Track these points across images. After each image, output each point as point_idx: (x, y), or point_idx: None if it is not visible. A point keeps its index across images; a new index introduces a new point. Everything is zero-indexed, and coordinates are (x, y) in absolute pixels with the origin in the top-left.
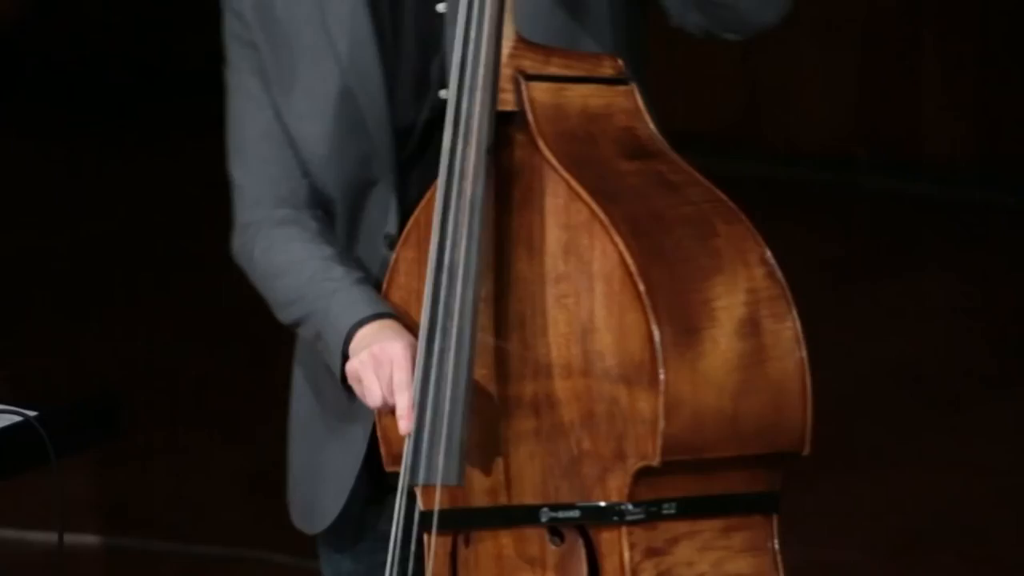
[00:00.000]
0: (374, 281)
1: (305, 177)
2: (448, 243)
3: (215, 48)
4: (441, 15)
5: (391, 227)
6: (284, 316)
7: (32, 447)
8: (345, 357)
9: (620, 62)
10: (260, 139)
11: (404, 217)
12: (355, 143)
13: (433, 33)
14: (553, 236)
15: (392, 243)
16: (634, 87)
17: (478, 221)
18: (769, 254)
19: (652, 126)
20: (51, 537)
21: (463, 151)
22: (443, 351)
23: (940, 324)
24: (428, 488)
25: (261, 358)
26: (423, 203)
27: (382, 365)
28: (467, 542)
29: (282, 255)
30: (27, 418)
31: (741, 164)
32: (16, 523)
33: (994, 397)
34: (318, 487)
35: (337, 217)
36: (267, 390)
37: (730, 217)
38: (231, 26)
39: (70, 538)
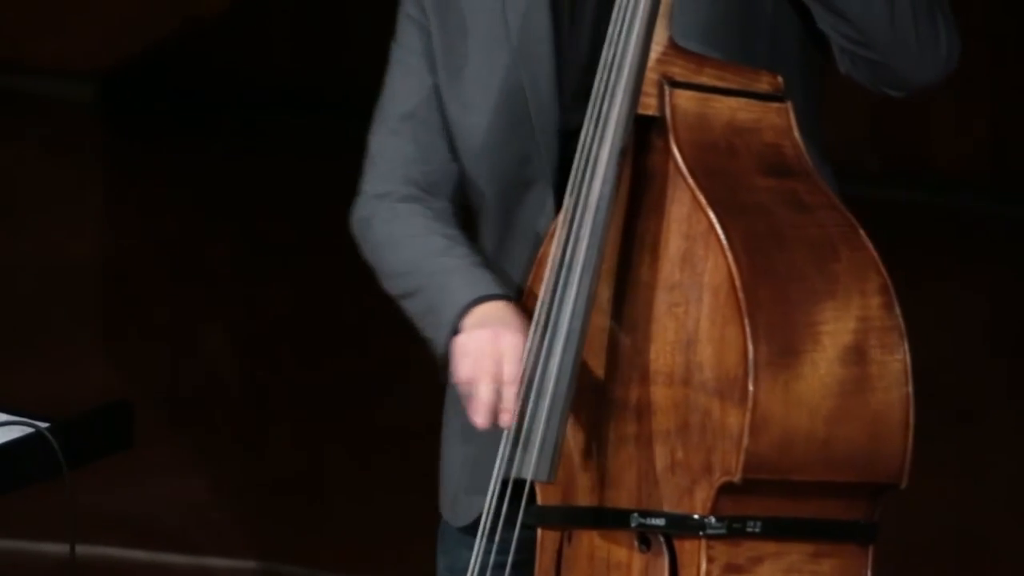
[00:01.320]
0: (522, 279)
1: (444, 164)
2: (571, 239)
3: None
4: None
5: (545, 228)
6: (395, 286)
7: (44, 458)
8: (455, 332)
9: (779, 79)
10: (406, 117)
11: None
12: (518, 140)
13: None
14: (674, 244)
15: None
16: (789, 106)
17: (602, 221)
18: (891, 287)
19: (802, 147)
20: (63, 548)
21: (597, 150)
22: (551, 346)
23: (950, 334)
24: (545, 484)
25: (276, 367)
26: None
27: (496, 352)
28: (569, 540)
29: (404, 228)
30: (39, 429)
31: None
32: (28, 534)
33: (1003, 407)
34: (463, 481)
35: (487, 212)
36: (281, 401)
37: (856, 244)
38: (406, 5)
39: (82, 549)
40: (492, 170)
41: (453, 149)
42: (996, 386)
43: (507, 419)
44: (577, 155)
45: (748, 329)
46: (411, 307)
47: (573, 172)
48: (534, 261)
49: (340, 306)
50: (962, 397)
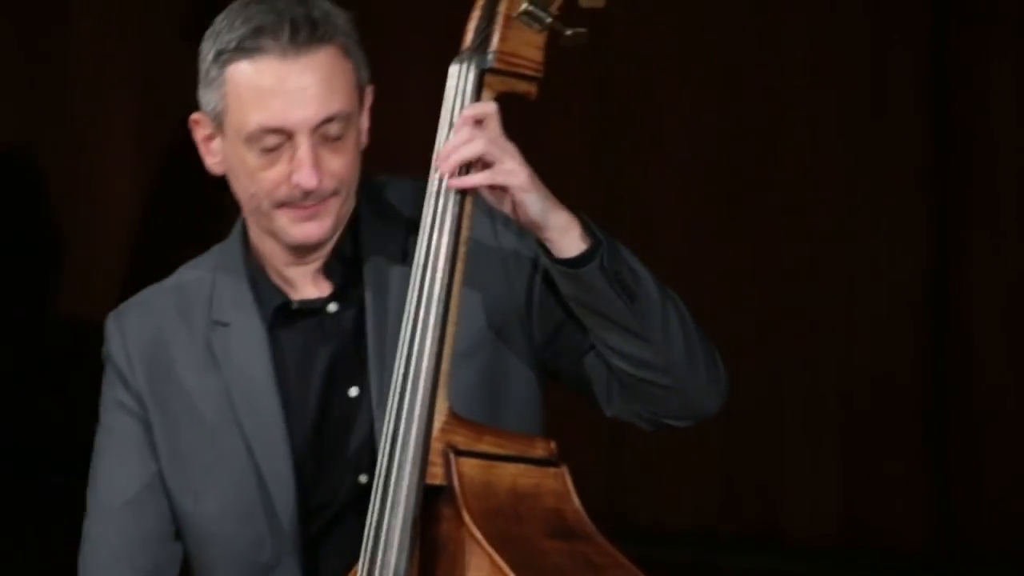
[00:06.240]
0: None
1: (169, 548)
2: None
3: None
4: (353, 399)
5: None
6: None
7: None
8: None
9: (552, 444)
10: (128, 504)
11: None
12: (253, 524)
13: (346, 417)
14: None
15: None
16: (564, 470)
17: None
18: None
19: (580, 508)
20: None
21: (389, 522)
22: None
23: None
24: None
25: None
26: None
27: None
28: None
29: None
30: None
31: None
32: None
33: None
34: None
35: None
36: None
37: None
38: (116, 392)
39: None
40: (227, 557)
41: (176, 533)
42: None
43: None
44: (367, 530)
45: None
46: None
47: (365, 545)
48: None
49: None
50: None
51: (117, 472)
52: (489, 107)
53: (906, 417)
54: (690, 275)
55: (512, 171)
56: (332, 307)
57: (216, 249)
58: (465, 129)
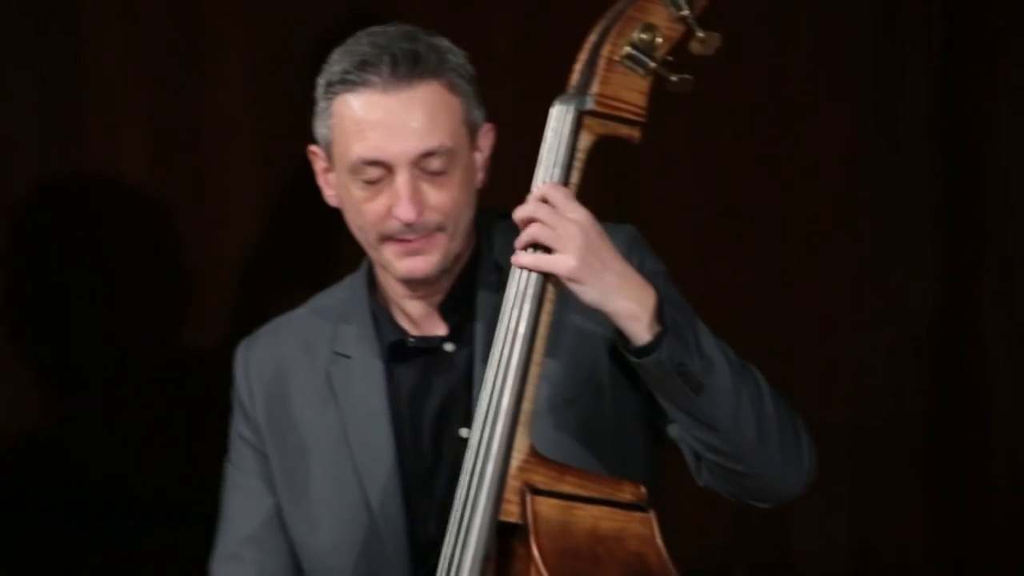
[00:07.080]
0: None
1: None
2: None
3: None
4: (464, 440)
5: None
6: None
7: None
8: None
9: (642, 489)
10: (247, 541)
11: None
12: (368, 557)
13: (455, 459)
14: None
15: None
16: (652, 515)
17: None
18: None
19: (666, 554)
20: None
21: (460, 558)
22: None
23: None
24: None
25: None
26: None
27: None
28: None
29: None
30: None
31: None
32: None
33: None
34: None
35: None
36: None
37: None
38: (239, 427)
39: None
40: None
41: (296, 568)
42: None
43: None
44: (441, 562)
45: None
46: None
47: None
48: None
49: None
50: None
51: (238, 509)
52: (559, 190)
53: (918, 449)
54: (701, 307)
55: (557, 261)
56: (448, 346)
57: (348, 280)
58: (530, 205)
